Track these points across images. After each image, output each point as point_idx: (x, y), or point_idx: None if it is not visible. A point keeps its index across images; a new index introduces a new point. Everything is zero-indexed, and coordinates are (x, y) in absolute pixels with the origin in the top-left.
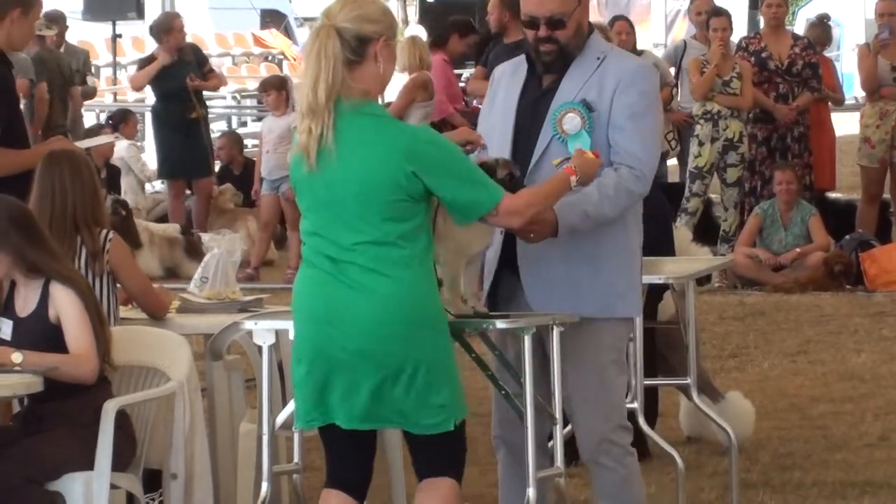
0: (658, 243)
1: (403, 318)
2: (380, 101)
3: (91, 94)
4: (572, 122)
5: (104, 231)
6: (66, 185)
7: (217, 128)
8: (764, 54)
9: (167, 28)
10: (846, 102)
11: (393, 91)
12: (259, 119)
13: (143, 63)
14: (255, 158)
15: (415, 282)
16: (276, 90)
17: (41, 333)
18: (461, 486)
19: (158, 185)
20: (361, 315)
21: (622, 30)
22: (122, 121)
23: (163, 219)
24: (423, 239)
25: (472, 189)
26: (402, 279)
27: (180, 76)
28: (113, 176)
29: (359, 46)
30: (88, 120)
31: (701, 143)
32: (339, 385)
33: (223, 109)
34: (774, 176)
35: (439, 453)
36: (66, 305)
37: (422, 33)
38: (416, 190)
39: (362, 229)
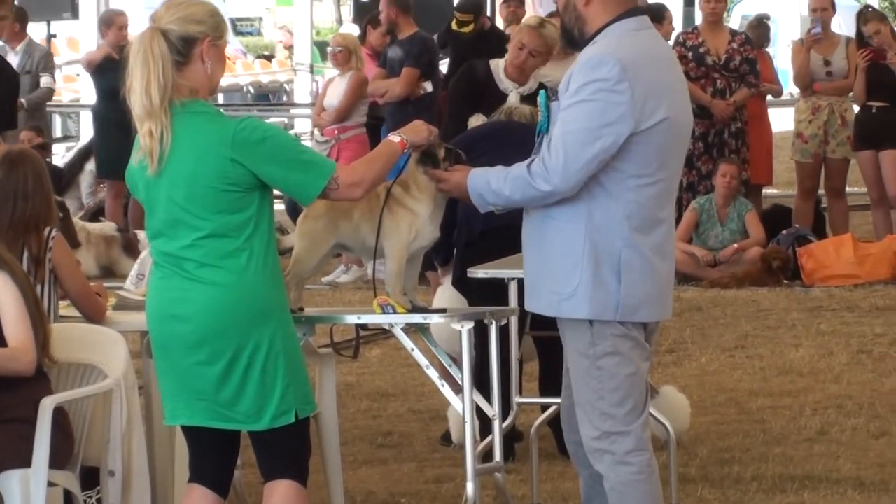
0: None
1: (236, 306)
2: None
3: (42, 98)
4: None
5: (48, 228)
6: (28, 189)
7: None
8: (702, 49)
9: (108, 23)
10: (782, 97)
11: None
12: None
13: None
14: None
15: (249, 272)
16: None
17: None
18: (305, 487)
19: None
20: (196, 305)
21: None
22: None
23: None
24: (260, 230)
25: (299, 170)
26: (236, 269)
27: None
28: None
29: (184, 47)
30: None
31: None
32: (184, 379)
33: None
34: (718, 168)
35: (280, 451)
36: (4, 294)
37: (356, 33)
38: (244, 179)
39: (197, 224)
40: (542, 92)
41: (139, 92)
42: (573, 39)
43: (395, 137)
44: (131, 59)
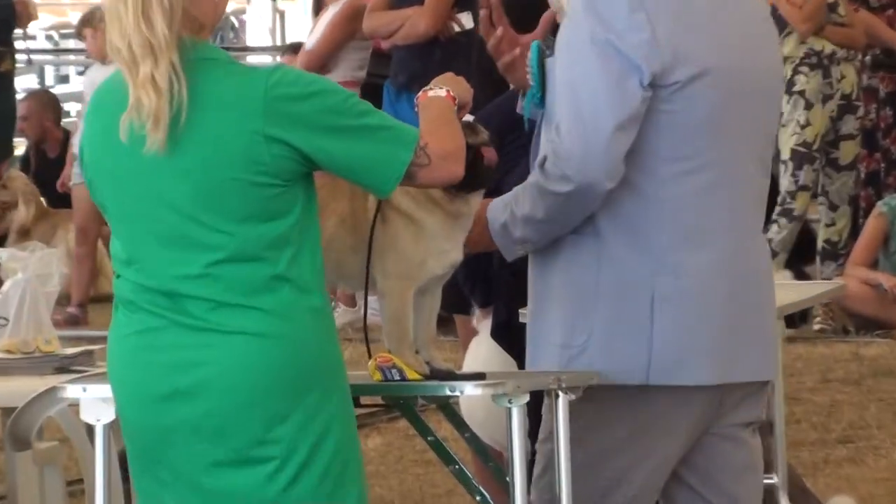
0: None
1: (283, 371)
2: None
3: None
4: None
5: None
6: None
7: (21, 85)
8: None
9: None
10: None
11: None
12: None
13: None
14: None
15: (297, 313)
16: (93, 28)
17: None
18: None
19: None
20: (215, 369)
21: None
22: None
23: None
24: (307, 245)
25: (369, 139)
26: (277, 310)
27: None
28: None
29: None
30: None
31: (809, 105)
32: (193, 493)
33: (35, 56)
34: None
35: None
36: None
37: None
38: (285, 165)
39: (211, 241)
40: (534, 44)
41: (129, 16)
42: None
43: (438, 91)
44: None
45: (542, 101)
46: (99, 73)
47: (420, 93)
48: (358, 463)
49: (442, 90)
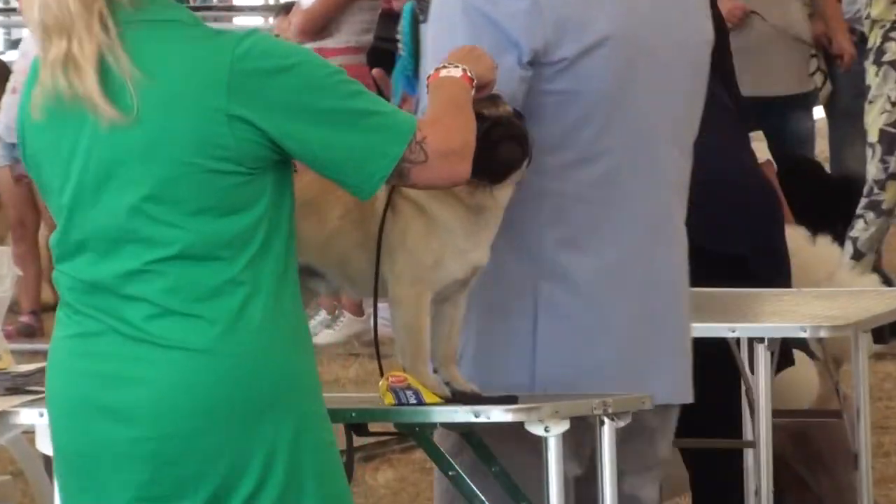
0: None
1: (231, 393)
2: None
3: None
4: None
5: None
6: None
7: None
8: None
9: None
10: None
11: None
12: None
13: None
14: None
15: (252, 325)
16: None
17: None
18: None
19: None
20: (149, 389)
21: None
22: None
23: None
24: (273, 245)
25: (353, 128)
26: (227, 320)
27: None
28: None
29: None
30: None
31: None
32: None
33: None
34: None
35: None
36: None
37: None
38: (251, 151)
39: (158, 235)
40: (407, 6)
41: None
42: None
43: (452, 70)
44: None
45: (415, 73)
46: (33, 41)
47: (432, 71)
48: (338, 487)
49: (457, 69)
